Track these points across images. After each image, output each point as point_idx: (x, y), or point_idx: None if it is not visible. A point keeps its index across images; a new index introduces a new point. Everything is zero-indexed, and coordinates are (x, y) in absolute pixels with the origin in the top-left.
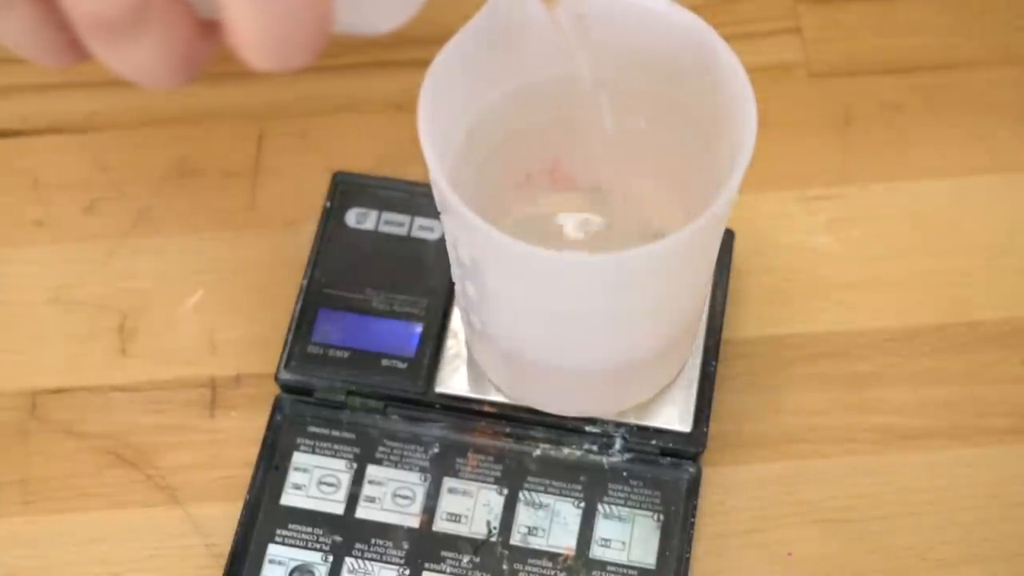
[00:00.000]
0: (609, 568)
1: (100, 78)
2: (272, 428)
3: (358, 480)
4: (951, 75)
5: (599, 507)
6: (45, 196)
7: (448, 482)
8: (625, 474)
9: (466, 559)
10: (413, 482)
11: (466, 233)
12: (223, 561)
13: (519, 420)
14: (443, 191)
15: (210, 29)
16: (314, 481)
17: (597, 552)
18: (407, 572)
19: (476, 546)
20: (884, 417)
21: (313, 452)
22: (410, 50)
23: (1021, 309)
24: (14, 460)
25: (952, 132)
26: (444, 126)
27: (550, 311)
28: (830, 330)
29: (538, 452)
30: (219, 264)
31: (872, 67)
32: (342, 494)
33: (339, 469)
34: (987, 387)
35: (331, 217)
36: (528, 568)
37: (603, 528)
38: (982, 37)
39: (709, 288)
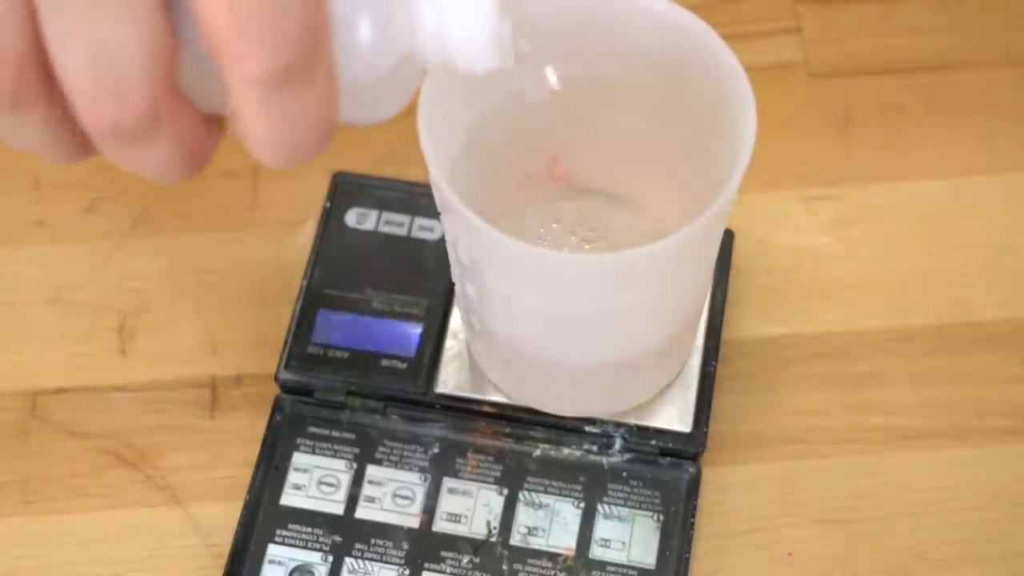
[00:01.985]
0: (609, 568)
1: None
2: (272, 428)
3: (358, 480)
4: (951, 75)
5: (599, 507)
6: (45, 196)
7: (448, 482)
8: (625, 474)
9: (466, 559)
10: (413, 482)
11: (466, 233)
12: (223, 561)
13: (519, 420)
14: (443, 191)
15: (214, 123)
16: (314, 481)
17: (597, 552)
18: (407, 572)
19: (476, 546)
20: (884, 417)
21: (313, 452)
22: None
23: (1021, 309)
24: (14, 460)
25: (952, 132)
26: (444, 127)
27: (549, 310)
28: (830, 330)
29: (538, 452)
30: (219, 264)
31: (872, 67)
32: (342, 494)
33: (339, 469)
34: (987, 387)
35: (331, 217)
36: (528, 568)
37: (603, 528)
38: (982, 37)
39: (709, 288)
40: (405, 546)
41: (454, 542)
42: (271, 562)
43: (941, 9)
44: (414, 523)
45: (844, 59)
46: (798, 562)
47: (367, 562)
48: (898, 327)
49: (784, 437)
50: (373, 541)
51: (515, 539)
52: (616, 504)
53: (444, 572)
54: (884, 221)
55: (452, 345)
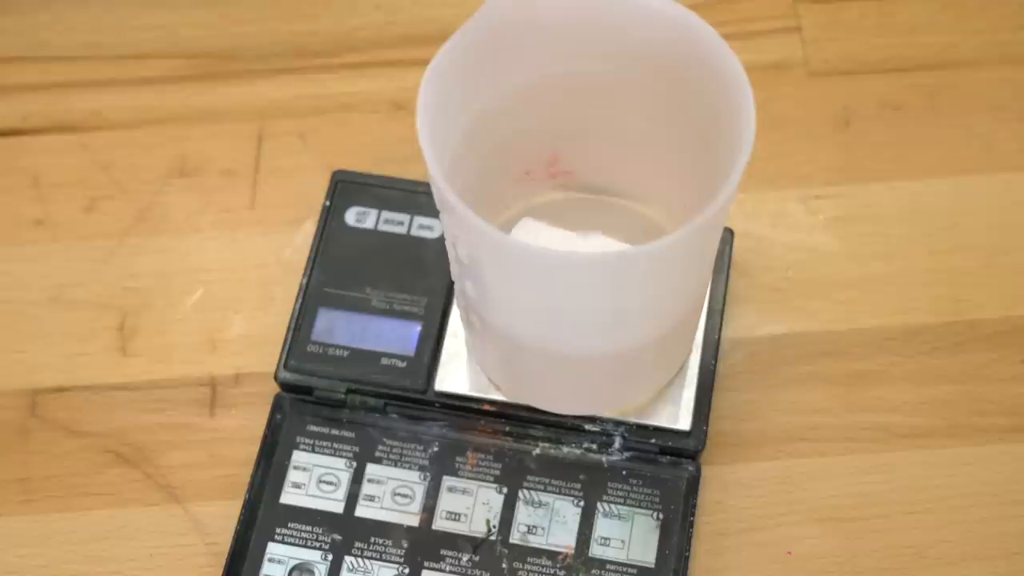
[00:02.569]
0: (608, 567)
1: (100, 77)
2: (271, 427)
3: (358, 479)
4: (951, 75)
5: (598, 506)
6: (45, 195)
7: (448, 481)
8: (624, 473)
9: (465, 557)
10: (413, 481)
11: (465, 231)
12: (223, 559)
13: (518, 419)
14: (442, 190)
15: None
16: (314, 480)
17: (596, 551)
18: (407, 571)
19: (476, 544)
20: (883, 416)
21: (312, 451)
22: (410, 50)
23: (1020, 308)
24: (14, 459)
25: (952, 132)
26: (443, 125)
27: (549, 308)
28: (830, 329)
29: (537, 451)
30: (219, 264)
31: (872, 66)
32: (342, 493)
33: (338, 468)
34: (986, 386)
35: (331, 216)
36: (527, 567)
37: (602, 527)
38: (982, 36)
39: (708, 286)
40: (405, 544)
41: (454, 540)
42: (271, 560)
43: (941, 8)
44: (414, 521)
45: (844, 58)
46: (798, 560)
47: (367, 560)
48: (898, 326)
49: (784, 435)
50: (373, 539)
51: (515, 537)
52: (616, 502)
53: (444, 570)
54: (884, 220)
55: (452, 343)
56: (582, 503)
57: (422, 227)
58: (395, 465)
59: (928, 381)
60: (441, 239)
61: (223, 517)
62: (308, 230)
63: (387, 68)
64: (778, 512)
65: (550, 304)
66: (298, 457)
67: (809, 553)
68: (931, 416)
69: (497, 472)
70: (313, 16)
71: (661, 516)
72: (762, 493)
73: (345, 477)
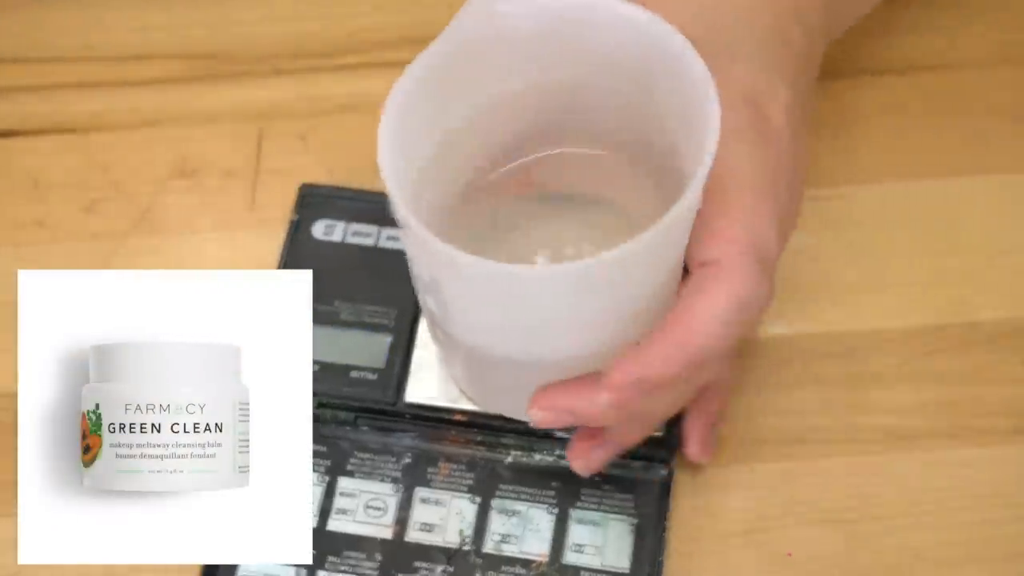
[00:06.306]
0: (583, 573)
1: (100, 77)
2: None
3: (330, 493)
4: (951, 75)
5: (572, 512)
6: (45, 196)
7: (420, 492)
8: (597, 478)
9: (440, 568)
10: (385, 493)
11: (421, 251)
12: (198, 573)
13: (490, 428)
14: (399, 208)
15: None
16: None
17: (571, 558)
18: None
19: (449, 555)
20: (884, 417)
21: None
22: (410, 50)
23: (1021, 309)
24: (14, 460)
25: (952, 132)
26: (410, 141)
27: (511, 322)
28: (830, 330)
29: (510, 459)
30: (219, 264)
31: (872, 67)
32: (314, 507)
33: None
34: (987, 387)
35: (298, 229)
36: None
37: (576, 533)
38: (982, 37)
39: (676, 288)
40: (378, 557)
41: (427, 552)
42: None
43: (941, 9)
44: (387, 534)
45: (844, 59)
46: (798, 562)
47: (340, 574)
48: (898, 327)
49: (784, 437)
50: (346, 553)
51: (488, 547)
52: (589, 509)
53: None
54: (884, 221)
55: (421, 355)
56: (556, 510)
57: (390, 239)
58: (367, 478)
59: (928, 382)
60: None
61: None
62: None
63: (387, 68)
64: (778, 513)
65: (512, 318)
66: None
67: (809, 554)
68: (931, 418)
69: (470, 482)
70: (313, 16)
71: (635, 521)
72: (762, 494)
73: (317, 491)
